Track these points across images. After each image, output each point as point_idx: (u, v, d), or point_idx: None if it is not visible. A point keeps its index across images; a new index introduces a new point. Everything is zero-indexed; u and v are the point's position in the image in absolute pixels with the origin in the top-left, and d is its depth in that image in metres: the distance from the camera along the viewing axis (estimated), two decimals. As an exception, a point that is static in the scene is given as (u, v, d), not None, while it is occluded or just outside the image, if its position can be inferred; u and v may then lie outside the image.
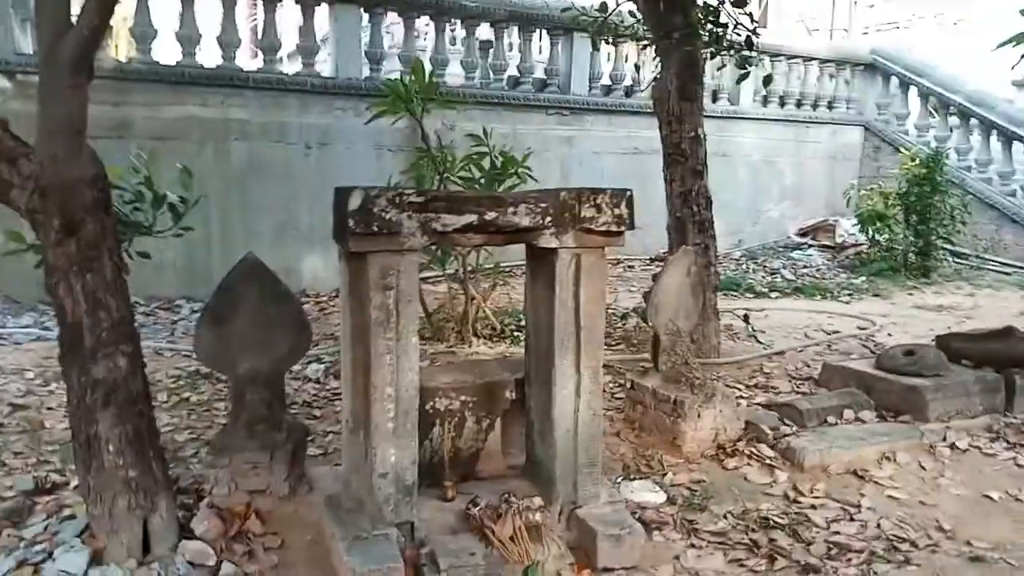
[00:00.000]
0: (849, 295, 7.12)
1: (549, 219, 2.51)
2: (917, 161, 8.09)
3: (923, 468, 3.45)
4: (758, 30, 4.37)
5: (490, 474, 3.03)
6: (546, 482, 2.77)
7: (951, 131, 9.83)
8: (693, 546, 2.77)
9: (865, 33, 18.82)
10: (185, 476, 3.18)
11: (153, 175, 3.46)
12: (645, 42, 4.90)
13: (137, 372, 2.57)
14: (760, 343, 5.32)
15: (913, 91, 10.23)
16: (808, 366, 4.81)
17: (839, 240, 9.27)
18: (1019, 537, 2.86)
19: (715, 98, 9.33)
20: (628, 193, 2.58)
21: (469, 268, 5.31)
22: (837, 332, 5.63)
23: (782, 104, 10.03)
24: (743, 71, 4.62)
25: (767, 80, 5.33)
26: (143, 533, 2.52)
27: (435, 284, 6.29)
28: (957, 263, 8.75)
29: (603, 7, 4.81)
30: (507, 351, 5.10)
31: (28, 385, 4.30)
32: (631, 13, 4.76)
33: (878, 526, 2.91)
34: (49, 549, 2.56)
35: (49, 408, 3.95)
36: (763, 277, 7.97)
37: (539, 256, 2.71)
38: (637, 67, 7.44)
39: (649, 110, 8.54)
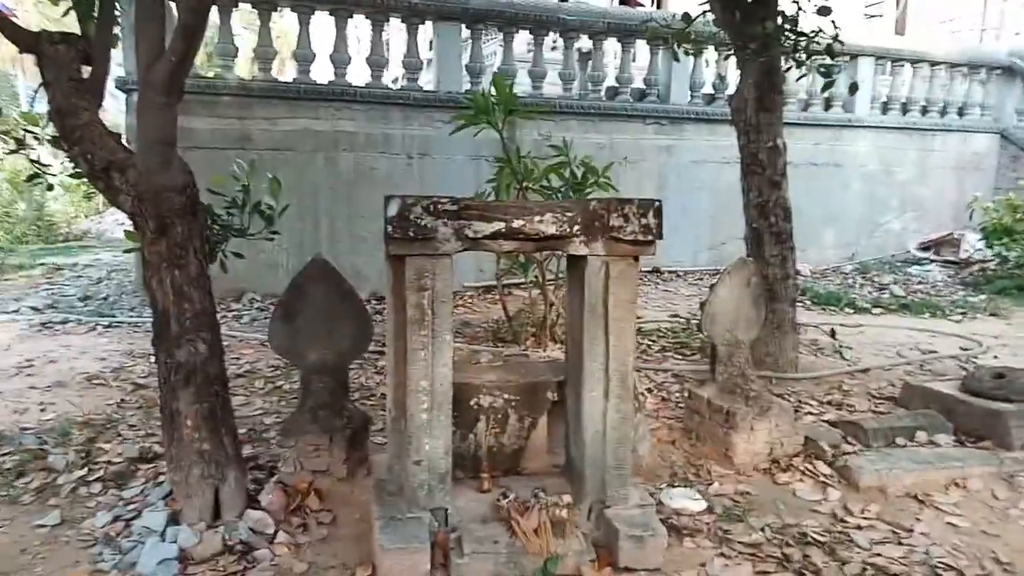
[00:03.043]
0: (962, 313, 6.65)
1: (578, 227, 2.63)
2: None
3: (995, 497, 3.25)
4: (840, 37, 4.24)
5: (533, 471, 3.17)
6: (577, 481, 2.88)
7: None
8: (723, 555, 2.78)
9: (1018, 34, 17.33)
10: (264, 455, 3.55)
11: (270, 184, 3.85)
12: (728, 52, 4.84)
13: (215, 358, 2.92)
14: (845, 360, 5.12)
15: (1059, 95, 9.39)
16: (892, 386, 4.59)
17: (964, 255, 8.65)
18: (1085, 575, 2.67)
19: (827, 106, 8.97)
20: (656, 204, 2.65)
21: (549, 275, 5.45)
22: (935, 352, 5.31)
23: (904, 111, 9.48)
24: (828, 79, 4.50)
25: (852, 88, 5.12)
26: (215, 500, 2.85)
27: (522, 290, 6.48)
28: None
29: (687, 17, 4.82)
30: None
31: (151, 368, 4.87)
32: (714, 22, 4.75)
33: (926, 552, 2.80)
34: (139, 509, 2.96)
35: (162, 388, 4.46)
36: (869, 292, 7.59)
37: (573, 264, 2.82)
38: (721, 76, 7.31)
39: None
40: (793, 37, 4.31)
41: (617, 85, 8.12)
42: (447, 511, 2.74)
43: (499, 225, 2.56)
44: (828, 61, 4.27)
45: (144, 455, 3.51)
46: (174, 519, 2.83)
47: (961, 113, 9.80)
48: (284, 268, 7.05)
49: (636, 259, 2.74)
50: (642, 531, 2.66)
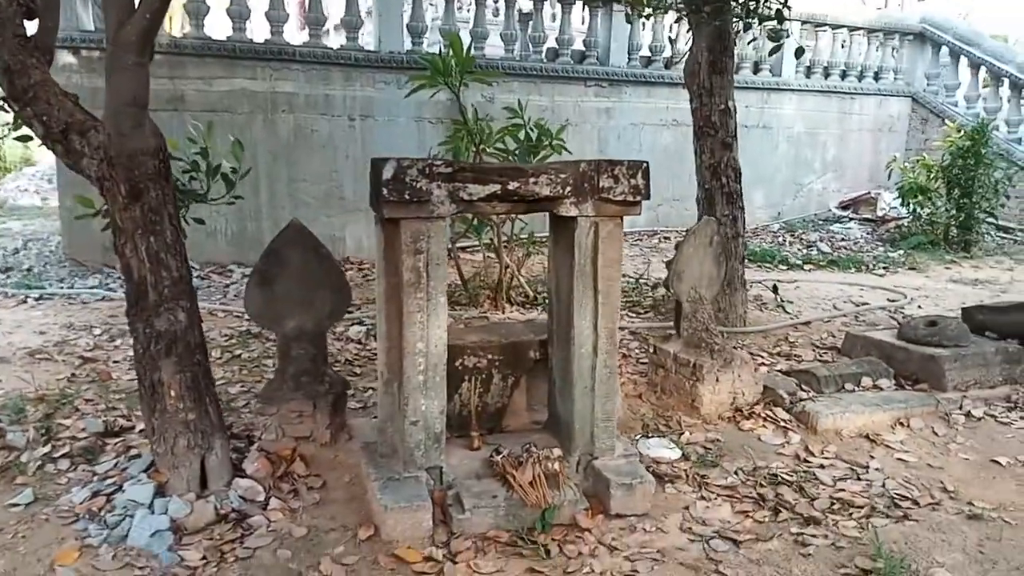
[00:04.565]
0: (884, 268, 7.11)
1: (569, 189, 2.69)
2: (962, 133, 7.95)
3: (936, 434, 3.56)
4: (790, 2, 4.39)
5: (515, 428, 3.26)
6: (565, 435, 2.98)
7: (1002, 103, 9.58)
8: (703, 498, 2.95)
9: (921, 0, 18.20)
10: (238, 424, 3.49)
11: (232, 146, 3.73)
12: (679, 14, 4.94)
13: (195, 326, 2.85)
14: (787, 313, 5.41)
15: (964, 61, 9.98)
16: (833, 336, 4.90)
17: (880, 213, 9.19)
18: (1021, 499, 2.97)
19: (756, 69, 9.27)
20: (644, 164, 2.73)
21: (504, 238, 5.50)
22: (867, 304, 5.68)
23: (826, 75, 9.89)
24: (776, 43, 4.66)
25: (799, 52, 5.32)
26: (201, 470, 2.81)
27: (472, 253, 6.50)
28: (1001, 237, 8.61)
29: (638, -20, 4.88)
30: (539, 317, 5.29)
31: (96, 340, 4.67)
32: (665, -14, 4.83)
33: (883, 485, 3.05)
34: (119, 483, 2.87)
35: (115, 361, 4.30)
36: (799, 250, 7.99)
37: (560, 224, 2.88)
38: (671, 40, 7.44)
39: (689, 82, 8.64)
40: (743, 1, 4.44)
41: (557, 47, 8.13)
42: (442, 469, 2.80)
43: (495, 187, 2.58)
44: (777, 25, 4.41)
45: (110, 428, 3.40)
46: (160, 491, 2.77)
47: (877, 77, 10.30)
48: (223, 235, 6.84)
49: (621, 220, 2.83)
50: (631, 479, 2.79)
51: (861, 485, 3.06)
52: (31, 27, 2.87)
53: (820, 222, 9.51)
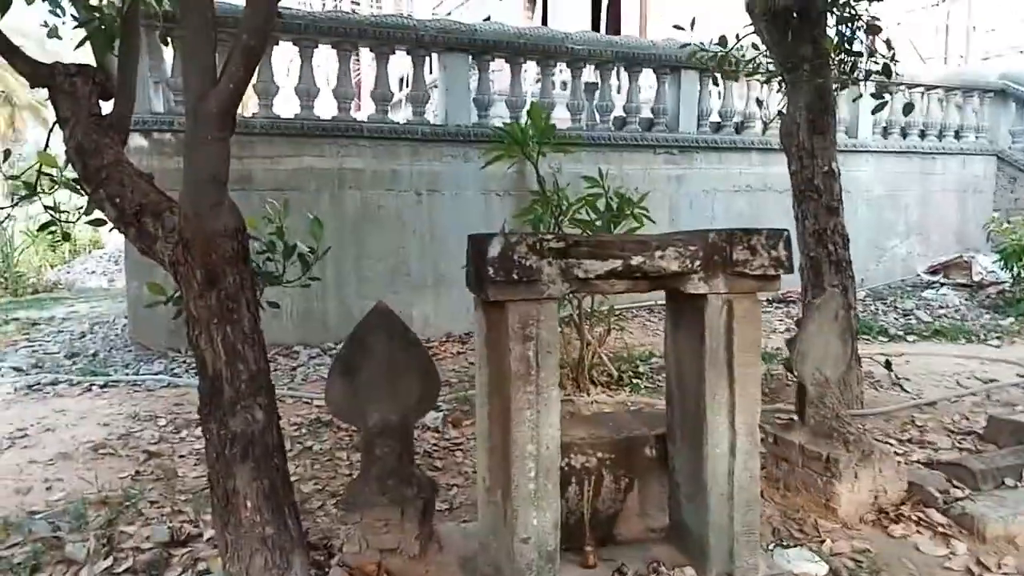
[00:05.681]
0: (999, 338, 6.48)
1: (698, 263, 2.33)
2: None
3: None
4: (896, 56, 4.06)
5: (630, 538, 2.81)
6: (697, 550, 2.53)
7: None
8: (868, 628, 2.45)
9: (985, 59, 17.76)
10: (314, 530, 3.14)
11: (311, 225, 3.50)
12: (770, 75, 4.64)
13: (273, 425, 2.54)
14: (906, 392, 4.86)
15: (1053, 116, 9.47)
16: (967, 419, 4.34)
17: (977, 278, 8.55)
18: None
19: (831, 131, 8.90)
20: (785, 233, 2.36)
21: (581, 311, 5.14)
22: (995, 381, 5.09)
23: (904, 135, 9.47)
24: (881, 101, 4.32)
25: (907, 108, 4.93)
26: (278, 592, 2.44)
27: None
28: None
29: (723, 41, 4.62)
30: (628, 400, 4.87)
31: (161, 432, 4.42)
32: (754, 46, 4.55)
33: (1088, 611, 2.50)
34: (185, 605, 2.53)
35: (181, 456, 4.02)
36: (895, 319, 7.40)
37: (682, 302, 2.51)
38: (759, 101, 7.16)
39: (761, 146, 8.32)
40: (846, 58, 4.12)
41: (624, 115, 7.93)
42: (555, 595, 2.37)
43: (615, 263, 2.24)
44: (884, 81, 4.07)
45: (176, 537, 3.08)
46: (232, 617, 2.41)
47: (958, 136, 9.83)
48: (288, 316, 6.64)
49: (756, 296, 2.44)
50: (784, 608, 2.32)
51: (1061, 612, 2.51)
52: (106, 107, 2.73)
53: (908, 288, 8.90)
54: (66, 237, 3.06)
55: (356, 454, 3.92)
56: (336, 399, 2.89)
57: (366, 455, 2.91)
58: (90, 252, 18.08)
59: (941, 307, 7.83)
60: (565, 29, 8.13)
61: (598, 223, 4.91)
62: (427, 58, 7.20)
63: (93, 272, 16.26)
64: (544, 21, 16.72)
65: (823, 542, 2.99)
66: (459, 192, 7.09)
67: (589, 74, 7.91)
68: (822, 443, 3.31)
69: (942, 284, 8.84)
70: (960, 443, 4.02)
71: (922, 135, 9.60)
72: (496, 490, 2.45)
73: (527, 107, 6.02)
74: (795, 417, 3.55)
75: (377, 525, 2.77)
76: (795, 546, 2.96)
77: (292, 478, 3.70)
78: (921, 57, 16.57)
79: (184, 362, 5.91)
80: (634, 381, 5.19)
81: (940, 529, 3.05)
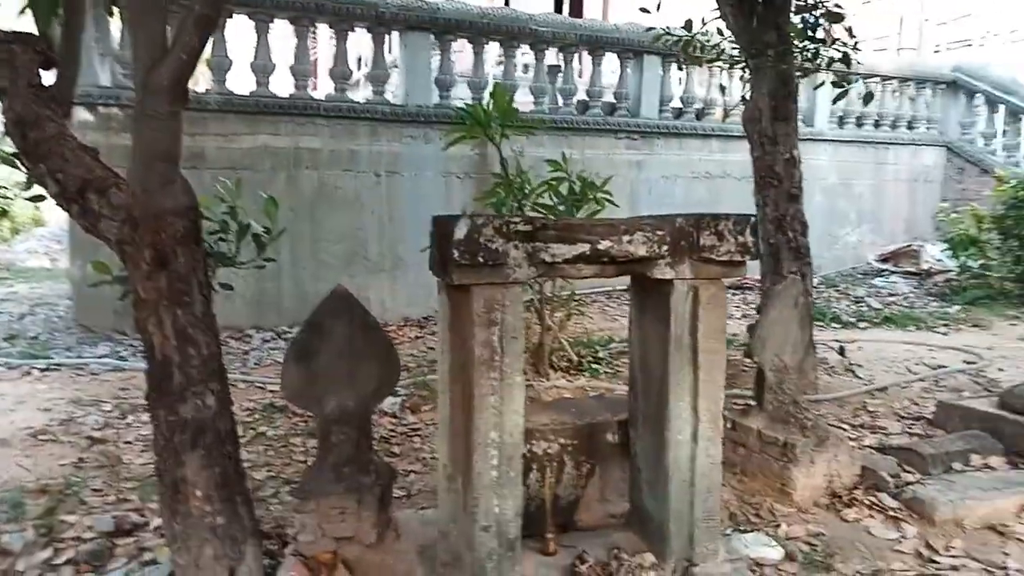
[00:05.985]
0: (946, 325, 6.65)
1: (666, 248, 2.30)
2: (1014, 182, 7.58)
3: (1071, 523, 3.07)
4: (858, 45, 4.09)
5: (590, 525, 2.80)
6: (657, 536, 2.52)
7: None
8: (823, 612, 2.48)
9: (936, 51, 18.20)
10: (267, 519, 3.05)
11: (265, 204, 3.39)
12: (734, 61, 4.64)
13: (226, 411, 2.46)
14: (859, 378, 4.96)
15: (1001, 109, 9.72)
16: (916, 404, 4.45)
17: (925, 267, 8.77)
18: None
19: (789, 120, 9.00)
20: (752, 220, 2.35)
21: (542, 296, 5.11)
22: (942, 366, 5.22)
23: (859, 125, 9.64)
24: (841, 89, 4.35)
25: (868, 98, 5.00)
26: (229, 583, 2.37)
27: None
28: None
29: (688, 25, 4.60)
30: (587, 385, 4.86)
31: (106, 417, 4.26)
32: (719, 31, 4.55)
33: (1034, 593, 2.57)
34: (131, 597, 2.43)
35: (127, 442, 3.88)
36: (848, 306, 7.55)
37: (648, 288, 2.49)
38: (722, 88, 7.18)
39: (721, 133, 8.37)
40: (810, 45, 4.14)
41: (587, 99, 7.89)
42: (516, 583, 2.34)
43: (583, 247, 2.20)
44: (844, 70, 4.10)
45: (120, 527, 2.96)
46: (180, 609, 2.32)
47: (910, 127, 10.04)
48: (241, 298, 6.46)
49: (722, 282, 2.43)
50: (744, 593, 2.33)
51: (1007, 592, 2.58)
52: (48, 77, 2.58)
53: (859, 276, 9.10)
54: (3, 213, 2.90)
55: (311, 440, 3.84)
56: (292, 384, 2.80)
57: (322, 442, 2.83)
58: (31, 231, 17.37)
59: (891, 295, 8.02)
60: (528, 11, 8.03)
61: (561, 207, 4.87)
62: (387, 36, 7.04)
63: (34, 252, 15.61)
64: (507, 2, 16.55)
65: (779, 526, 3.02)
66: (419, 174, 6.97)
67: (552, 57, 7.85)
68: (780, 428, 3.35)
69: (892, 272, 9.05)
70: (910, 428, 4.11)
71: (876, 125, 9.78)
72: (457, 477, 2.40)
73: (490, 89, 5.94)
74: (752, 403, 3.58)
75: (333, 513, 2.70)
76: (752, 531, 2.99)
77: (245, 465, 3.61)
78: (875, 49, 16.88)
79: (131, 345, 5.70)
80: (593, 366, 5.18)
81: (891, 513, 3.11)
